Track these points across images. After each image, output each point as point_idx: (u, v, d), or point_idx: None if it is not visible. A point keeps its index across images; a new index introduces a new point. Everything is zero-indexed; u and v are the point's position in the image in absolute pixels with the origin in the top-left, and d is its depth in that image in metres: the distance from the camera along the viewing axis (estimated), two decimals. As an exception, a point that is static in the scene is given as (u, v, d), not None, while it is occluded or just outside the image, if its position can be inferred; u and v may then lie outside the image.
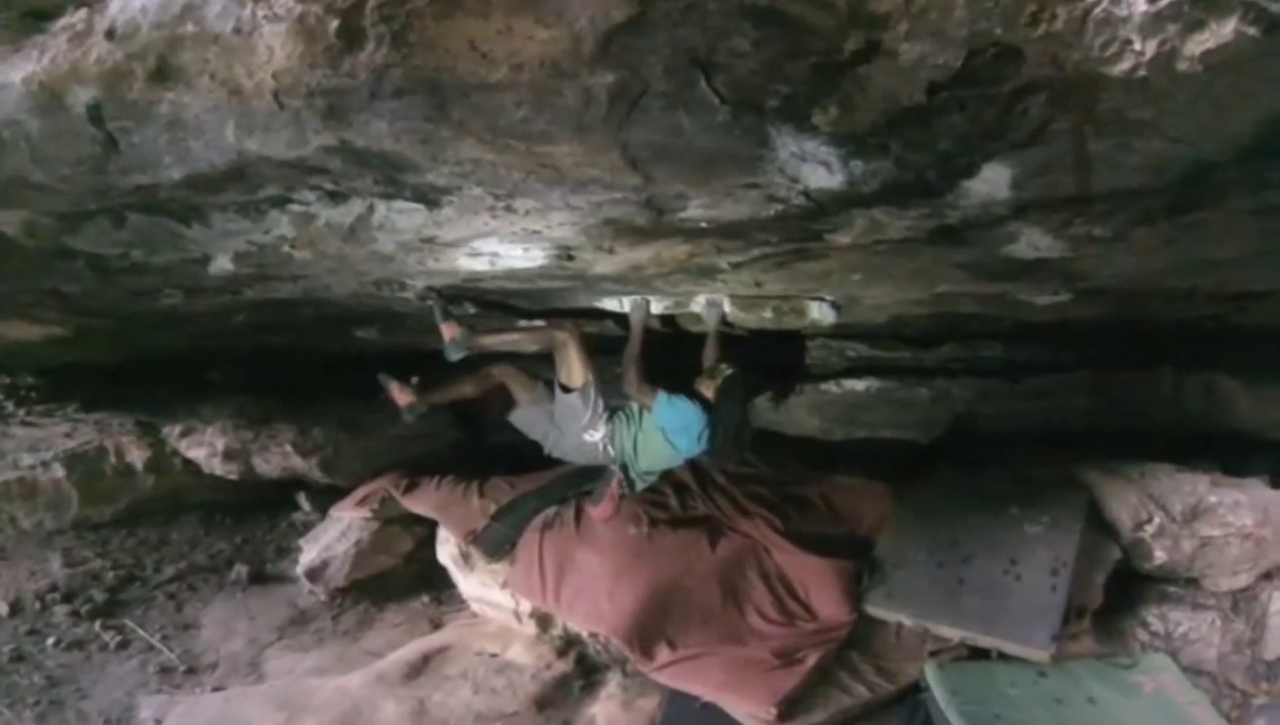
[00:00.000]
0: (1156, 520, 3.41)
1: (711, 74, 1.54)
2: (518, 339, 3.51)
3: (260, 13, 1.58)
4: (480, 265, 2.67)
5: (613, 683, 3.20)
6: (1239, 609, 3.41)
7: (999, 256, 2.57)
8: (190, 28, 1.67)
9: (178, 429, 4.23)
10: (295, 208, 2.35)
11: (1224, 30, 1.34)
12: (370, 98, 1.70)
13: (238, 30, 1.62)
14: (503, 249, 2.53)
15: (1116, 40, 1.37)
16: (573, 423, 3.39)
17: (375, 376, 3.41)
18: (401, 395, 3.38)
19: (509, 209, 2.20)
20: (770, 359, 4.07)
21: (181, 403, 4.41)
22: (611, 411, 3.41)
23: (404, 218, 2.33)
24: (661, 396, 3.22)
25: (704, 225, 2.28)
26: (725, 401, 3.24)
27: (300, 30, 1.55)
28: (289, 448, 4.18)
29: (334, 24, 1.52)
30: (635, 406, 3.38)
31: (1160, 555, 3.39)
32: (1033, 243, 2.42)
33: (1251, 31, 1.34)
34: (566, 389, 3.38)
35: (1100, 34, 1.37)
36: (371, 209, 2.32)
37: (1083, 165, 1.85)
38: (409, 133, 1.83)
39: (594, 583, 3.25)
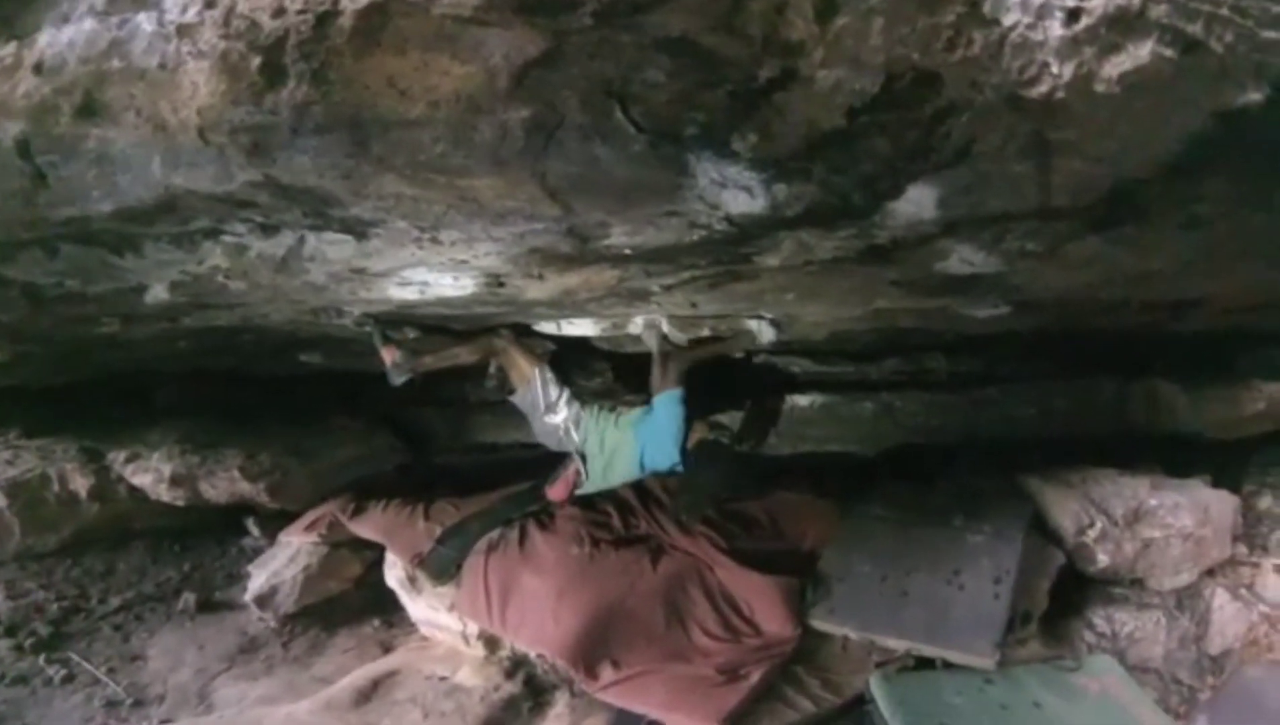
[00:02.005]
0: (1099, 525, 3.58)
1: (627, 105, 1.61)
2: (457, 352, 3.67)
3: (185, 48, 1.66)
4: (411, 294, 2.79)
5: (560, 703, 3.31)
6: (1183, 606, 3.61)
7: (933, 273, 2.68)
8: (116, 63, 1.76)
9: (123, 455, 4.29)
10: (228, 239, 2.44)
11: (1140, 53, 1.45)
12: (293, 134, 1.79)
13: (163, 66, 1.71)
14: (433, 278, 2.65)
15: (1034, 64, 1.46)
16: (534, 412, 3.68)
17: (323, 399, 3.55)
18: (388, 354, 3.53)
19: (434, 241, 2.32)
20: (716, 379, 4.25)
21: (127, 427, 4.46)
22: (580, 401, 3.70)
23: (334, 249, 2.43)
24: (677, 393, 3.49)
25: (628, 252, 2.39)
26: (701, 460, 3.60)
27: (224, 67, 1.64)
28: (236, 473, 4.25)
29: (256, 61, 1.60)
30: (613, 410, 3.64)
31: (1103, 559, 3.56)
32: (966, 259, 2.53)
33: (1168, 54, 1.45)
34: (513, 391, 3.65)
35: (1018, 57, 1.45)
36: (302, 241, 2.42)
37: (1044, 181, 1.93)
38: (331, 169, 1.92)
39: (537, 604, 3.37)
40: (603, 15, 1.38)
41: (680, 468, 3.65)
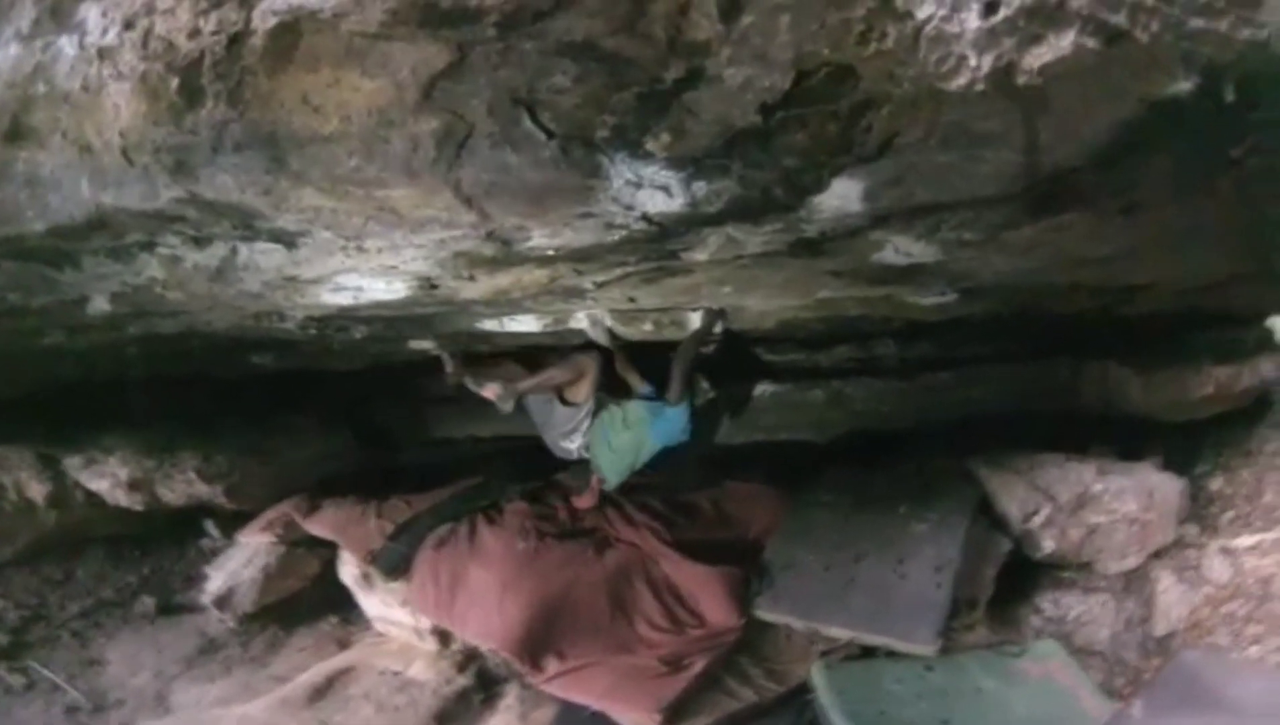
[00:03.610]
0: (1044, 511, 3.80)
1: (536, 111, 1.71)
2: (552, 375, 3.88)
3: (106, 71, 1.80)
4: (345, 299, 2.95)
5: (511, 695, 3.52)
6: (1130, 589, 3.82)
7: (870, 263, 2.80)
8: (41, 87, 1.92)
9: (79, 460, 4.42)
10: (163, 251, 2.59)
11: (1062, 43, 1.49)
12: (213, 152, 1.93)
13: (85, 89, 1.86)
14: (365, 283, 2.82)
15: (952, 56, 1.50)
16: (559, 426, 3.88)
17: (279, 399, 3.77)
18: (489, 392, 3.80)
19: (360, 249, 2.48)
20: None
21: (83, 432, 4.57)
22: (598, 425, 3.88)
23: (266, 258, 2.59)
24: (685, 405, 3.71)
25: (551, 252, 2.56)
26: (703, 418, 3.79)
27: (144, 88, 1.78)
28: (193, 475, 4.41)
29: (174, 82, 1.74)
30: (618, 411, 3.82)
31: (1049, 544, 3.79)
32: (903, 249, 2.66)
33: (1092, 44, 1.51)
34: (566, 402, 3.84)
35: (934, 50, 1.49)
36: (235, 251, 2.58)
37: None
38: (252, 185, 2.07)
39: (484, 597, 3.58)
40: (505, 25, 1.47)
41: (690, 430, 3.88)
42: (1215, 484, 4.28)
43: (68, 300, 2.99)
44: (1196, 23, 1.60)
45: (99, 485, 4.43)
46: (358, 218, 2.25)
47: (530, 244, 2.47)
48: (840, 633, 3.49)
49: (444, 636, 3.75)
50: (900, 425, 4.52)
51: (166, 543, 4.84)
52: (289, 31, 1.59)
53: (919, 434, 4.54)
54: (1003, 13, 1.46)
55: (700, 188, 2.03)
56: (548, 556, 3.73)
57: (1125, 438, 4.43)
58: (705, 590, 3.57)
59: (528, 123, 1.75)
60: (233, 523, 4.69)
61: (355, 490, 4.56)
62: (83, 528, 4.59)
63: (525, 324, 3.71)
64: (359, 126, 1.80)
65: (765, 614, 3.57)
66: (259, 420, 4.76)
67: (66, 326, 3.29)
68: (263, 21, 1.60)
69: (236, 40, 1.64)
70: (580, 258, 2.66)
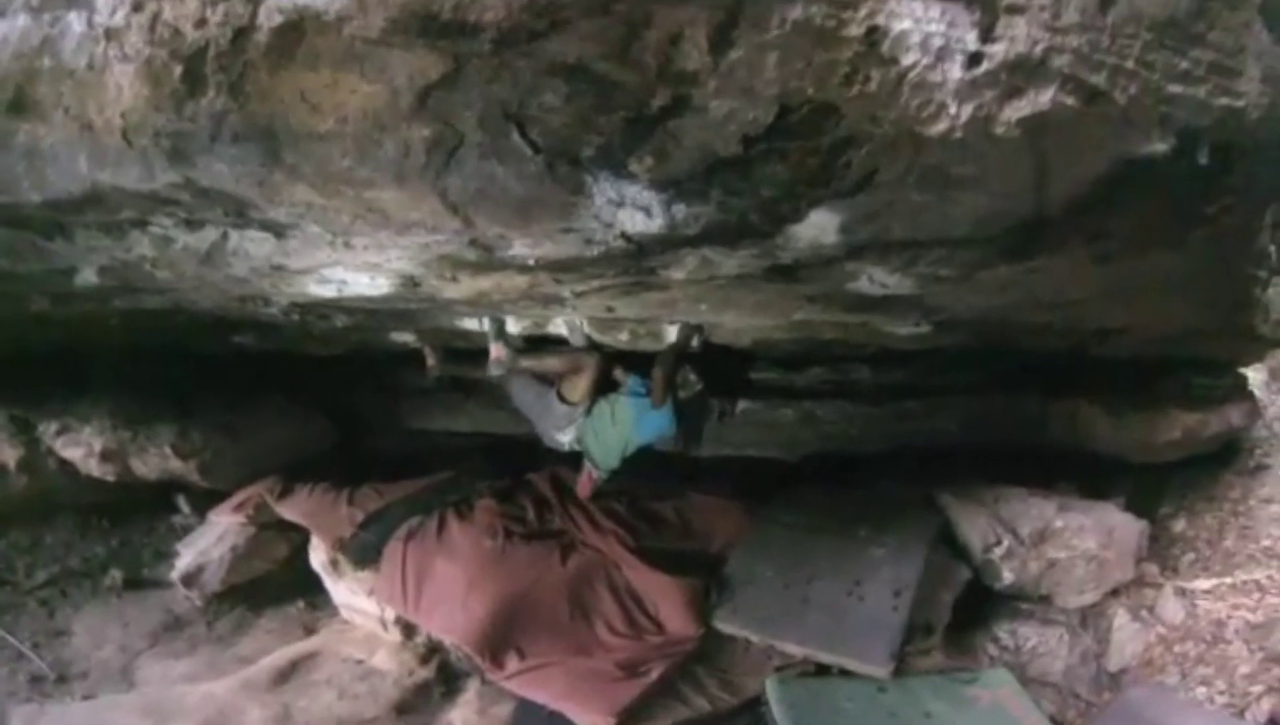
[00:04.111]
0: (1005, 543, 3.92)
1: (525, 126, 1.81)
2: (551, 362, 3.98)
3: (112, 52, 1.90)
4: (329, 291, 3.05)
5: (471, 690, 3.62)
6: (1086, 624, 3.94)
7: (845, 292, 2.89)
8: (47, 61, 2.01)
9: (53, 427, 4.49)
10: (155, 231, 2.69)
11: (1042, 99, 1.62)
12: (211, 141, 2.03)
13: (90, 67, 1.95)
14: (350, 277, 2.92)
15: (933, 103, 1.59)
16: (551, 420, 3.95)
17: (259, 380, 3.85)
18: (496, 349, 3.87)
19: (347, 245, 2.59)
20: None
21: (61, 399, 4.64)
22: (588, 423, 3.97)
23: (255, 246, 2.69)
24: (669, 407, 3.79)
25: (532, 262, 2.66)
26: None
27: (148, 73, 1.88)
28: (168, 450, 4.50)
29: (178, 69, 1.84)
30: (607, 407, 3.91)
31: (1008, 576, 3.91)
32: (879, 281, 2.74)
33: (1070, 101, 1.63)
34: (564, 400, 3.90)
35: (916, 96, 1.58)
36: (225, 236, 2.68)
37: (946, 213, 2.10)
38: (247, 176, 2.17)
39: (449, 592, 3.68)
40: (501, 41, 1.56)
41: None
42: (1178, 526, 4.41)
43: (56, 269, 3.08)
44: (1175, 88, 1.73)
45: (72, 453, 4.51)
46: (346, 216, 2.35)
47: (512, 252, 2.58)
48: (796, 649, 3.60)
49: (408, 628, 3.83)
50: (870, 449, 4.63)
51: (138, 516, 4.90)
52: (293, 30, 1.69)
53: (888, 459, 4.64)
54: (986, 65, 1.57)
55: (680, 210, 2.12)
56: (514, 556, 3.84)
57: (1091, 474, 4.55)
58: (665, 598, 3.68)
59: (516, 137, 1.85)
60: (205, 500, 4.75)
61: (329, 476, 4.65)
62: (53, 495, 4.63)
63: (509, 326, 3.82)
64: (354, 128, 1.90)
65: (724, 626, 3.68)
66: (238, 399, 4.84)
67: (52, 294, 3.38)
68: (268, 18, 1.70)
69: (242, 34, 1.74)
70: (560, 268, 2.76)
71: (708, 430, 4.34)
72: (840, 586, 3.71)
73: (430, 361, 4.26)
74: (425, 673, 3.71)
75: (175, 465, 4.57)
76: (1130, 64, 1.67)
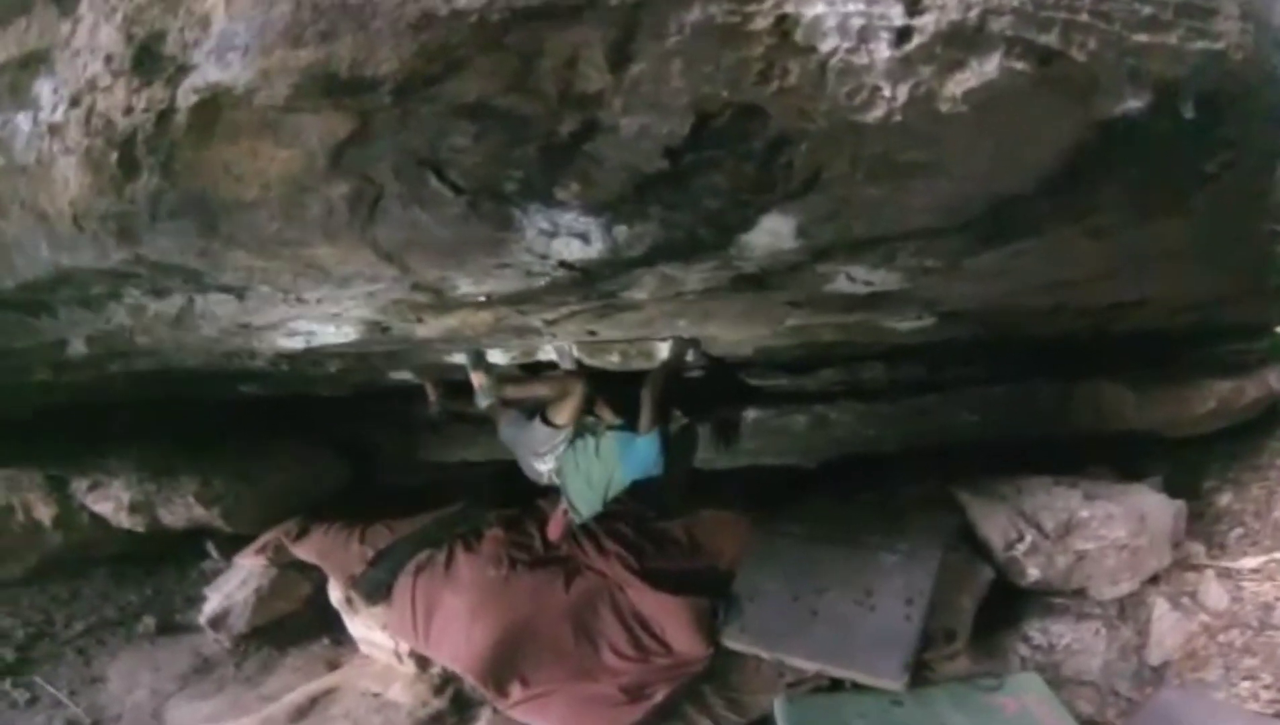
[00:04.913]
0: (1028, 538, 3.83)
1: (442, 170, 1.84)
2: (537, 387, 4.05)
3: (55, 146, 2.04)
4: (298, 343, 3.20)
5: (483, 719, 3.73)
6: (1125, 615, 3.84)
7: (826, 293, 2.87)
8: (1, 161, 2.21)
9: (85, 484, 4.80)
10: (128, 301, 2.85)
11: (987, 68, 1.48)
12: (151, 220, 2.15)
13: (39, 161, 2.10)
14: (317, 328, 3.06)
15: (864, 88, 1.51)
16: (532, 445, 3.99)
17: (282, 421, 4.03)
18: (476, 378, 3.96)
19: (299, 300, 2.71)
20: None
21: (90, 455, 4.95)
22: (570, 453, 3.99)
23: (220, 307, 2.84)
24: (656, 432, 3.82)
25: (483, 298, 2.75)
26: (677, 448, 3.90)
27: (88, 161, 2.00)
28: (192, 498, 4.76)
29: (114, 156, 1.95)
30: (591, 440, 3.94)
31: (1034, 573, 3.82)
32: (860, 278, 2.71)
33: (1021, 66, 1.49)
34: (547, 422, 3.95)
35: (843, 84, 1.51)
36: (192, 301, 2.83)
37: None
38: (189, 248, 2.30)
39: (455, 623, 3.81)
40: (400, 91, 1.59)
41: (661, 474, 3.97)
42: (1224, 500, 4.29)
43: (48, 342, 3.30)
44: (1140, 37, 1.59)
45: (103, 508, 4.79)
46: (288, 275, 2.47)
47: (460, 292, 2.66)
48: (807, 664, 3.60)
49: (422, 660, 3.98)
50: (887, 449, 4.58)
51: (169, 564, 5.21)
52: (209, 107, 1.77)
53: (909, 459, 4.61)
54: (916, 40, 1.48)
55: (621, 232, 2.12)
56: (517, 584, 3.95)
57: (1128, 454, 4.43)
58: (671, 619, 3.74)
59: (434, 182, 1.90)
60: (233, 544, 5.01)
61: (349, 512, 4.85)
62: (88, 548, 4.94)
63: (494, 357, 3.92)
64: (277, 193, 1.99)
65: (732, 643, 3.71)
66: (255, 444, 5.09)
67: (51, 365, 3.61)
68: (185, 99, 1.78)
69: (164, 116, 1.83)
70: (516, 301, 2.82)
71: (713, 452, 4.36)
72: (850, 597, 3.70)
73: (431, 398, 4.39)
74: (439, 703, 3.84)
75: (200, 513, 4.82)
76: (1084, 17, 1.52)
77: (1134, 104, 1.66)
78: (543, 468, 3.98)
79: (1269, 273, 3.32)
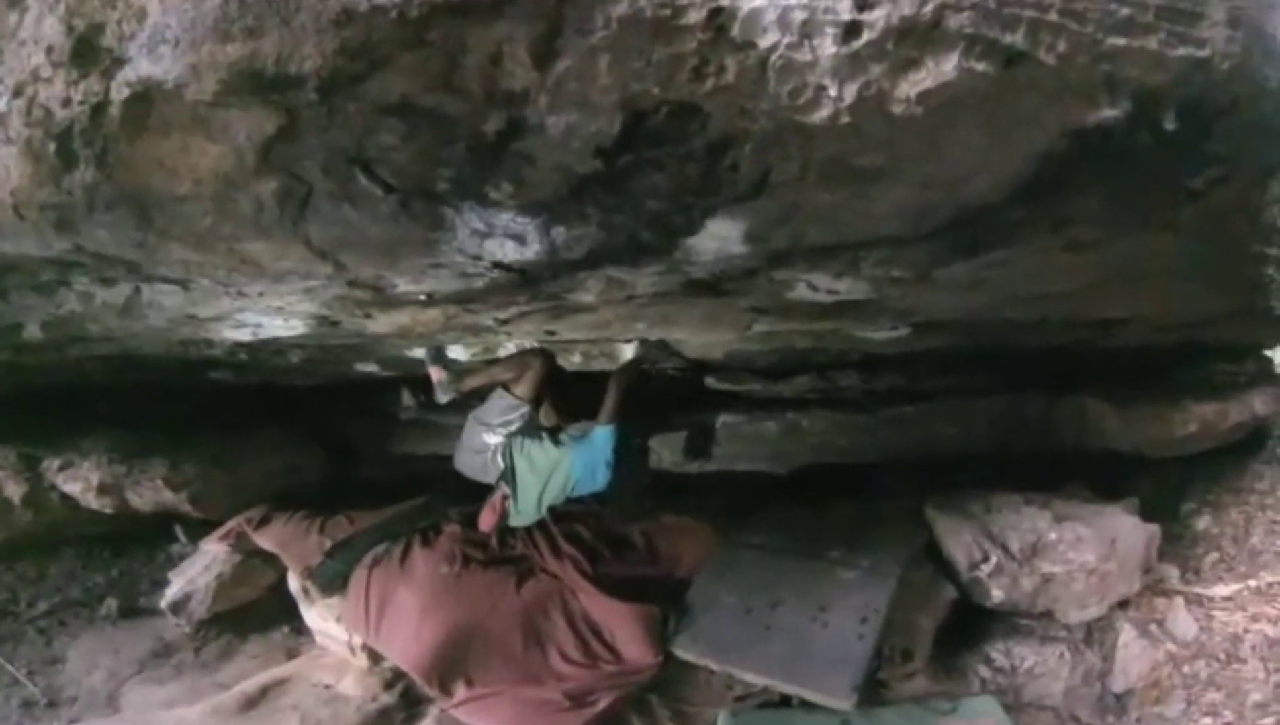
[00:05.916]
0: (994, 559, 3.84)
1: (372, 168, 1.87)
2: (497, 371, 4.10)
3: None
4: (246, 335, 3.29)
5: (431, 716, 3.80)
6: (1091, 640, 3.86)
7: (789, 301, 2.92)
8: None
9: (56, 463, 4.92)
10: (78, 287, 2.96)
11: (944, 69, 1.44)
12: (89, 211, 2.24)
13: None
14: (264, 320, 3.15)
15: (808, 87, 1.48)
16: (484, 417, 4.08)
17: (256, 408, 4.12)
18: (435, 372, 4.06)
19: (241, 293, 2.81)
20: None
21: (64, 434, 5.06)
22: (520, 434, 4.07)
23: (167, 298, 2.94)
24: (610, 428, 3.90)
25: (424, 297, 2.83)
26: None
27: (28, 153, 2.07)
28: (160, 482, 4.86)
29: (52, 147, 2.02)
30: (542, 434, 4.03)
31: (998, 594, 3.83)
32: (823, 287, 2.76)
33: (981, 67, 1.44)
34: (508, 391, 4.03)
35: (785, 82, 1.48)
36: (138, 290, 2.93)
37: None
38: (125, 240, 2.39)
39: (406, 619, 3.89)
40: (325, 89, 1.63)
41: (606, 489, 4.09)
42: (1201, 523, 4.31)
43: (3, 325, 3.39)
44: (1117, 40, 1.52)
45: (73, 488, 4.90)
46: (222, 270, 2.56)
47: (400, 290, 2.74)
48: (756, 679, 3.62)
49: (374, 654, 4.07)
50: (863, 459, 4.62)
51: (139, 547, 5.33)
52: (141, 101, 1.84)
53: (886, 470, 4.62)
54: (866, 36, 1.43)
55: (559, 234, 2.18)
56: (469, 583, 4.02)
57: (1109, 472, 4.44)
58: (622, 626, 3.79)
59: (364, 180, 1.95)
60: (204, 530, 5.07)
61: (321, 503, 4.94)
62: (58, 528, 5.06)
63: (455, 353, 3.99)
64: (209, 188, 2.06)
65: (682, 653, 3.74)
66: (228, 430, 5.20)
67: (12, 346, 3.71)
68: (119, 92, 1.85)
69: (99, 109, 1.90)
70: (460, 300, 2.90)
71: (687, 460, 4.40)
72: (805, 612, 3.71)
73: (406, 402, 4.46)
74: (388, 698, 3.92)
75: (167, 497, 4.91)
76: (1053, 16, 1.47)
77: (1110, 112, 1.61)
78: (490, 440, 4.05)
79: (1259, 294, 3.30)
